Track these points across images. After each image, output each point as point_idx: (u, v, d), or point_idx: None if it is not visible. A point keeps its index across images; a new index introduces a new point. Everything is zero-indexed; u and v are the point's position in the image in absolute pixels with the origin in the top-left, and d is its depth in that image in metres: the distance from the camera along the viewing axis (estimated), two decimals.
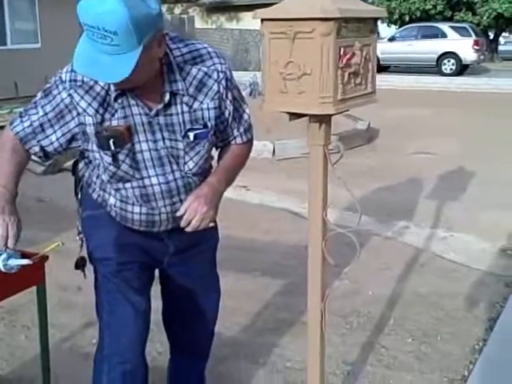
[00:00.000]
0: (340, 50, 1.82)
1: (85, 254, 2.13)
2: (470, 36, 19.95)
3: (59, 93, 1.87)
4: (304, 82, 1.83)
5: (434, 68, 19.96)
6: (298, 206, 5.47)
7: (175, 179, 1.96)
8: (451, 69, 19.62)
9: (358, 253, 1.97)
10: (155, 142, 1.90)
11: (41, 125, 1.91)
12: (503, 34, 28.91)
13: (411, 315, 3.50)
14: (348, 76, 1.87)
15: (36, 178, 6.80)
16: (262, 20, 1.88)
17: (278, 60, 1.85)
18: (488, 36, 26.04)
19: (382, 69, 20.04)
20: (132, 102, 1.86)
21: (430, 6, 25.48)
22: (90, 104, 1.84)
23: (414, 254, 4.49)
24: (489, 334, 3.22)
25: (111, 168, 1.91)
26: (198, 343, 2.42)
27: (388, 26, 27.54)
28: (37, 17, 12.94)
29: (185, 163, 1.95)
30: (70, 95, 1.85)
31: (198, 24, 23.69)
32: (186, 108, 1.89)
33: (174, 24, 21.12)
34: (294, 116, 1.95)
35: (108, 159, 1.89)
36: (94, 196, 2.05)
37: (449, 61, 19.73)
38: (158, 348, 3.03)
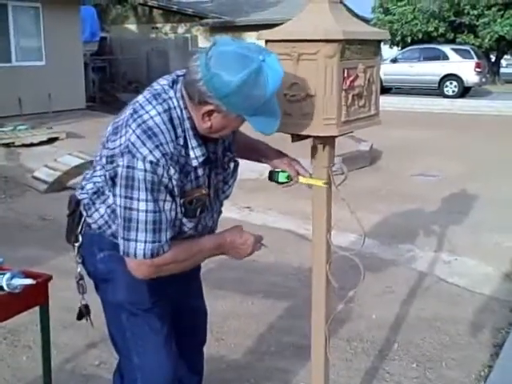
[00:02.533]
0: (344, 72, 1.83)
1: (87, 301, 2.07)
2: (472, 58, 20.00)
3: (163, 176, 1.70)
4: (308, 103, 1.84)
5: (436, 90, 20.02)
6: (301, 227, 5.46)
7: (213, 214, 1.96)
8: (453, 91, 19.67)
9: (363, 276, 1.95)
10: (214, 186, 1.91)
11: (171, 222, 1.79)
12: (505, 56, 29.02)
13: (415, 340, 3.48)
14: (352, 98, 1.88)
15: (39, 197, 6.79)
16: (267, 41, 1.89)
17: (282, 81, 1.86)
18: (490, 58, 26.13)
19: (385, 90, 20.11)
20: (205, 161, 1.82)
21: (432, 28, 25.60)
22: (177, 172, 1.74)
23: (417, 277, 4.47)
24: (494, 360, 3.19)
25: (190, 232, 1.87)
26: (202, 359, 2.40)
27: (390, 47, 27.65)
28: (41, 34, 12.98)
29: (223, 192, 1.97)
30: (167, 171, 1.71)
31: (202, 43, 23.81)
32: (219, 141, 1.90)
33: (178, 43, 21.24)
34: (297, 137, 1.96)
35: (190, 225, 1.86)
36: (115, 240, 1.90)
37: (451, 83, 19.78)
38: None
